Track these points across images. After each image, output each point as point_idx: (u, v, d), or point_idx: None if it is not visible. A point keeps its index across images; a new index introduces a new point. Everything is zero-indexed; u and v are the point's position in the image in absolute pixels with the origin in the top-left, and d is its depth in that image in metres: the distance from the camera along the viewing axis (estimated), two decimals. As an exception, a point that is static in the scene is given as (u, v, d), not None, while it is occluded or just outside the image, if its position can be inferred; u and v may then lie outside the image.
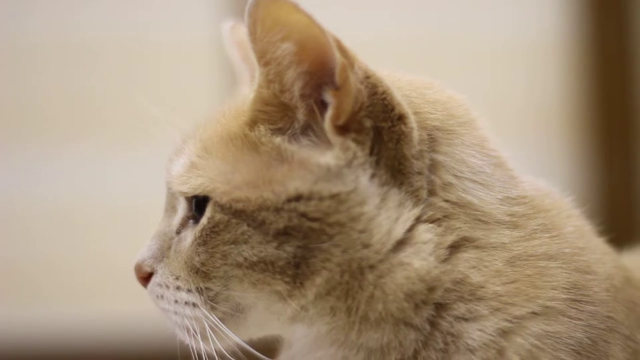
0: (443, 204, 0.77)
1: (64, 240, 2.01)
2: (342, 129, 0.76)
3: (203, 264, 0.78)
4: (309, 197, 0.75)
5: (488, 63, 2.06)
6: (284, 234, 0.75)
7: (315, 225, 0.75)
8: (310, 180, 0.75)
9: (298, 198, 0.75)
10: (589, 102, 2.10)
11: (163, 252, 0.81)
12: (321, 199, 0.75)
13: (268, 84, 0.77)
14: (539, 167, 2.07)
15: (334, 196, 0.75)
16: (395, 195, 0.76)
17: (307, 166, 0.76)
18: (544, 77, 2.09)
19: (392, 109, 0.76)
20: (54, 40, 2.02)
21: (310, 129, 0.77)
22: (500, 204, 0.79)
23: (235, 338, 0.79)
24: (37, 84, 2.02)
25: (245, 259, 0.76)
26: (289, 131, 0.78)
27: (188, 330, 0.79)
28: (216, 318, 0.78)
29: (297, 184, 0.75)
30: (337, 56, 0.74)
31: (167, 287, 0.80)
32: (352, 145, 0.76)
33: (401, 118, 0.77)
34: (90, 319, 1.98)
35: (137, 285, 0.82)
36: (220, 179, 0.77)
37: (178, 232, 0.81)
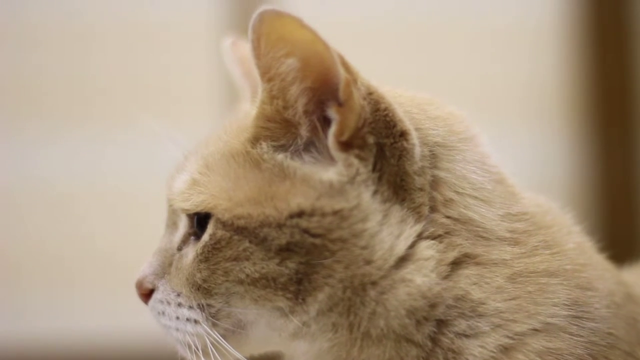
0: (444, 220, 0.78)
1: (61, 225, 2.00)
2: (345, 145, 0.76)
3: (205, 281, 0.78)
4: (312, 213, 0.75)
5: (489, 48, 2.06)
6: (286, 250, 0.75)
7: (317, 241, 0.75)
8: (313, 197, 0.75)
9: (300, 214, 0.75)
10: (590, 87, 2.11)
11: (164, 268, 0.81)
12: (323, 215, 0.75)
13: (271, 100, 0.77)
14: (539, 150, 2.07)
15: (336, 212, 0.75)
16: (397, 212, 0.77)
17: (309, 182, 0.76)
18: (545, 62, 2.10)
19: (395, 126, 0.76)
20: (53, 24, 2.01)
21: (312, 146, 0.77)
22: (501, 221, 0.79)
23: (236, 354, 0.79)
24: (36, 67, 2.01)
25: (247, 275, 0.76)
26: (292, 148, 0.78)
27: (189, 347, 0.79)
28: (218, 334, 0.78)
29: (299, 200, 0.75)
30: (341, 72, 0.74)
31: (169, 303, 0.80)
32: (355, 161, 0.76)
33: (403, 134, 0.77)
34: (87, 306, 1.99)
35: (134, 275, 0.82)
36: (222, 196, 0.77)
37: (179, 249, 0.81)
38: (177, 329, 0.80)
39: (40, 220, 2.01)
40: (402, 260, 0.76)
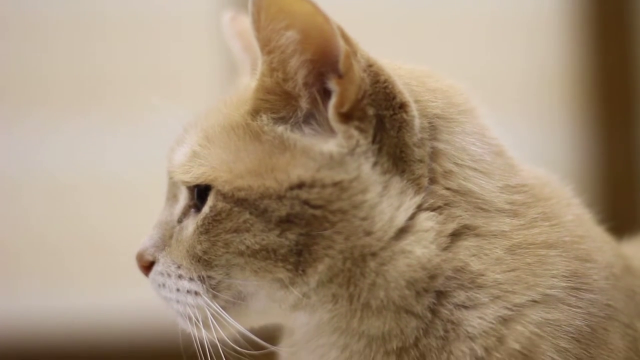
0: (444, 191, 0.78)
1: (62, 214, 2.00)
2: (345, 117, 0.76)
3: (205, 252, 0.78)
4: (312, 185, 0.75)
5: (488, 36, 2.06)
6: (286, 222, 0.75)
7: (317, 212, 0.75)
8: (313, 168, 0.76)
9: (300, 186, 0.75)
10: (590, 74, 2.10)
11: (165, 241, 0.82)
12: (324, 186, 0.75)
13: (271, 72, 0.77)
14: (539, 139, 2.07)
15: (336, 184, 0.75)
16: (397, 183, 0.77)
17: (309, 154, 0.76)
18: (545, 50, 2.09)
19: (394, 97, 0.77)
20: (54, 13, 2.00)
21: (312, 118, 0.78)
22: (500, 192, 0.79)
23: (237, 326, 0.79)
24: (36, 57, 2.01)
25: (248, 247, 0.76)
26: (292, 120, 0.78)
27: (190, 319, 0.79)
28: (218, 306, 0.79)
29: (299, 171, 0.76)
30: (341, 44, 0.74)
31: (169, 275, 0.80)
32: (355, 133, 0.76)
33: (402, 106, 0.77)
34: (87, 294, 1.98)
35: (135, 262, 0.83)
36: (223, 168, 0.77)
37: (180, 221, 0.81)
38: (178, 301, 0.80)
39: (41, 209, 2.01)
40: (402, 231, 0.76)
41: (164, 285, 0.81)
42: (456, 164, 0.79)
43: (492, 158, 0.81)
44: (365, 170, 0.76)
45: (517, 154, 0.84)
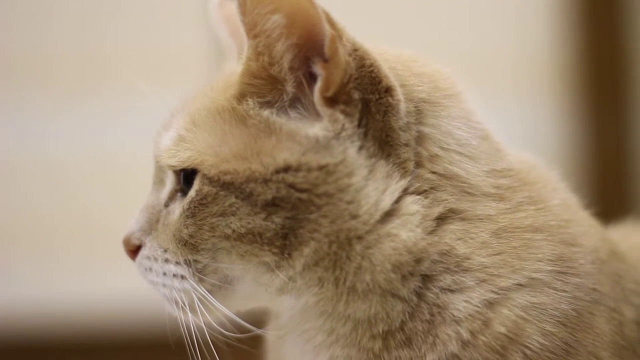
0: (430, 175, 0.78)
1: (60, 197, 2.00)
2: (331, 101, 0.76)
3: (191, 236, 0.78)
4: (297, 169, 0.75)
5: (479, 17, 2.05)
6: (272, 205, 0.75)
7: (303, 196, 0.75)
8: (299, 152, 0.76)
9: (286, 169, 0.75)
10: (580, 57, 2.10)
11: (151, 225, 0.82)
12: (309, 170, 0.75)
13: (257, 56, 0.77)
14: (529, 122, 2.07)
15: (322, 167, 0.76)
16: (382, 167, 0.77)
17: (295, 138, 0.76)
18: (535, 32, 2.09)
19: (380, 82, 0.77)
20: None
21: (298, 102, 0.78)
22: (486, 177, 0.80)
23: (223, 309, 0.79)
24: (36, 40, 2.00)
25: (234, 230, 0.76)
26: (277, 104, 0.78)
27: (176, 303, 0.80)
28: (204, 290, 0.79)
29: (285, 155, 0.76)
30: (327, 28, 0.74)
31: (156, 259, 0.81)
32: (341, 117, 0.76)
33: (388, 90, 0.77)
34: (86, 277, 1.98)
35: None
36: (209, 152, 0.78)
37: (166, 205, 0.82)
38: (164, 285, 0.80)
39: (40, 192, 2.00)
40: (388, 215, 0.77)
41: (150, 269, 0.81)
42: (442, 147, 0.79)
43: (478, 142, 0.81)
44: (351, 154, 0.76)
45: (503, 138, 0.84)
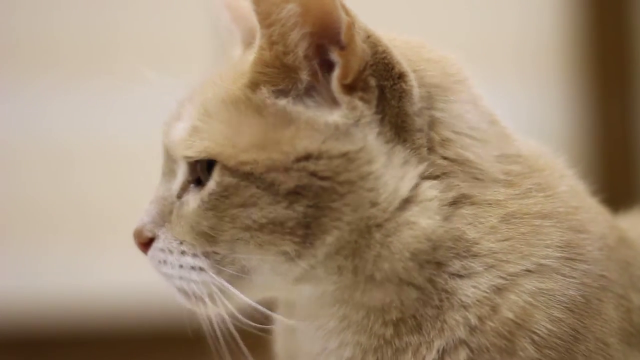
0: (442, 161, 0.78)
1: (61, 180, 2.00)
2: (349, 88, 0.76)
3: (211, 228, 0.77)
4: (319, 156, 0.75)
5: (482, 0, 2.06)
6: (294, 194, 0.75)
7: (325, 184, 0.75)
8: (319, 140, 0.76)
9: (307, 157, 0.75)
10: (586, 39, 2.10)
11: (164, 216, 0.81)
12: (331, 157, 0.75)
13: (271, 45, 0.77)
14: (535, 105, 2.08)
15: (343, 155, 0.76)
16: (400, 153, 0.77)
17: (314, 126, 0.76)
18: (539, 12, 2.09)
19: (393, 68, 0.77)
20: None
21: (313, 90, 0.78)
22: (496, 162, 0.80)
23: (245, 299, 0.78)
24: (38, 22, 2.00)
25: (254, 221, 0.76)
26: (293, 92, 0.78)
27: (193, 295, 0.79)
28: (223, 281, 0.78)
29: (305, 143, 0.75)
30: (343, 15, 0.74)
31: (171, 252, 0.79)
32: (359, 103, 0.76)
33: (401, 76, 0.77)
34: (85, 261, 1.99)
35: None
36: (226, 143, 0.77)
37: (179, 197, 0.80)
38: (181, 277, 0.79)
39: (41, 174, 2.01)
40: (406, 202, 0.77)
41: (164, 261, 0.80)
42: (454, 132, 0.79)
43: (488, 126, 0.81)
44: (371, 140, 0.76)
45: (510, 125, 0.84)
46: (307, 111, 0.77)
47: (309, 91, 0.78)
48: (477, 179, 0.79)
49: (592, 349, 0.76)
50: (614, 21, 2.12)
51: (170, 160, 0.82)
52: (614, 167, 2.06)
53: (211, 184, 0.77)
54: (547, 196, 0.79)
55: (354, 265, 0.77)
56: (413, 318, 0.77)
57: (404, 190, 0.76)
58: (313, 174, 0.75)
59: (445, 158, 0.78)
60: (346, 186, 0.75)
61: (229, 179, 0.76)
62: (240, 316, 0.79)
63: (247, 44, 0.86)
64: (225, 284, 0.78)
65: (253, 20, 0.78)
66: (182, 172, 0.80)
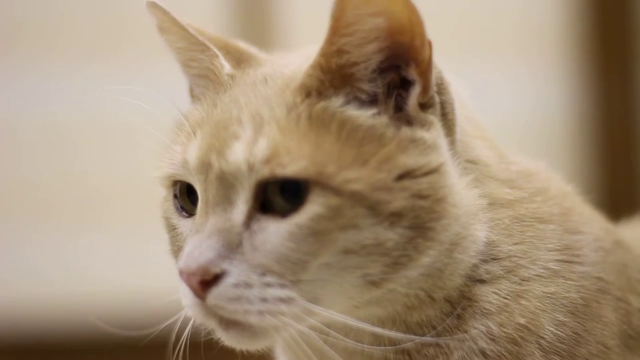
0: (466, 164, 0.79)
1: (63, 161, 2.01)
2: (423, 105, 0.76)
3: (309, 254, 0.71)
4: (417, 172, 0.73)
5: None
6: (396, 215, 0.72)
7: (425, 203, 0.73)
8: (415, 154, 0.74)
9: (408, 174, 0.73)
10: (587, 17, 2.11)
11: (232, 249, 0.72)
12: (427, 173, 0.73)
13: (340, 54, 0.74)
14: (538, 88, 2.08)
15: (437, 169, 0.74)
16: (457, 165, 0.77)
17: (407, 141, 0.74)
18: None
19: (442, 83, 0.77)
20: None
21: (376, 103, 0.76)
22: (502, 163, 0.82)
23: (329, 314, 0.73)
24: (42, 5, 2.01)
25: (355, 243, 0.71)
26: (378, 107, 0.75)
27: (273, 329, 0.73)
28: (313, 305, 0.72)
29: (403, 159, 0.73)
30: (426, 35, 0.73)
31: (250, 285, 0.71)
32: (435, 119, 0.76)
33: (448, 89, 0.78)
34: (84, 243, 2.00)
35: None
36: (322, 160, 0.72)
37: (247, 226, 0.73)
38: (262, 312, 0.72)
39: (42, 155, 2.01)
40: (472, 214, 0.76)
41: (239, 298, 0.72)
42: (468, 134, 0.80)
43: (484, 128, 0.84)
44: (447, 153, 0.76)
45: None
46: (396, 125, 0.75)
47: (372, 104, 0.75)
48: (490, 177, 0.80)
49: (594, 352, 0.77)
50: (617, 5, 2.14)
51: (224, 187, 0.74)
52: (615, 146, 2.07)
53: (313, 208, 0.71)
54: (545, 200, 0.81)
55: (428, 285, 0.75)
56: (432, 328, 0.76)
57: (470, 201, 0.76)
58: (415, 193, 0.72)
59: (467, 161, 0.79)
60: (441, 204, 0.73)
61: (334, 200, 0.71)
62: (325, 328, 0.74)
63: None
64: (314, 306, 0.72)
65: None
66: (243, 200, 0.73)
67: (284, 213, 0.72)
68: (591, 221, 0.84)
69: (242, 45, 0.87)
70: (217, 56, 0.82)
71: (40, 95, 1.99)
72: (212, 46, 0.82)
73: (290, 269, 0.71)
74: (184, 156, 0.77)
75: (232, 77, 0.81)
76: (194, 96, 0.85)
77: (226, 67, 0.82)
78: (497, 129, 0.88)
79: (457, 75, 0.83)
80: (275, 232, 0.72)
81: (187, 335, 0.78)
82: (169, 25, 0.83)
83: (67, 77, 1.99)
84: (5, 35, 2.02)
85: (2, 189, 2.01)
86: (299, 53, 0.83)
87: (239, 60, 0.83)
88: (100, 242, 1.97)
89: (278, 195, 0.72)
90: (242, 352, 0.76)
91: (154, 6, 0.83)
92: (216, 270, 0.72)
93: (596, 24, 2.13)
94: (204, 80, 0.83)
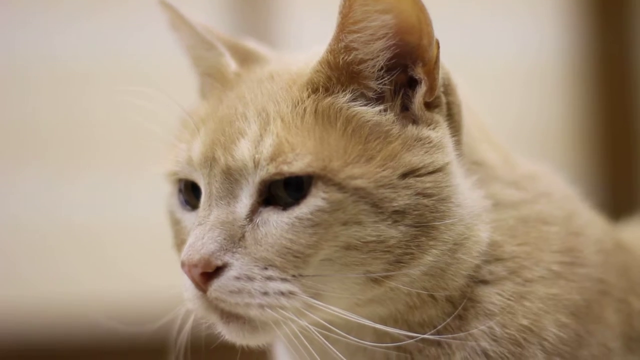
0: (471, 166, 0.79)
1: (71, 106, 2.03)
2: (429, 104, 0.76)
3: (309, 247, 0.71)
4: (422, 171, 0.73)
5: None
6: (399, 213, 0.72)
7: (429, 202, 0.73)
8: (421, 153, 0.74)
9: (413, 172, 0.73)
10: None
11: (234, 242, 0.73)
12: (433, 171, 0.74)
13: (348, 51, 0.74)
14: (540, 31, 2.03)
15: (442, 168, 0.74)
16: (462, 165, 0.77)
17: (412, 140, 0.74)
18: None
19: (449, 84, 0.77)
20: None
21: (382, 101, 0.76)
22: (506, 165, 0.82)
23: (331, 310, 0.73)
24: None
25: (357, 239, 0.72)
26: (384, 104, 0.75)
27: (272, 322, 0.72)
28: (318, 302, 0.72)
29: (409, 157, 0.73)
30: (433, 34, 0.73)
31: (251, 279, 0.72)
32: (441, 119, 0.76)
33: (455, 90, 0.78)
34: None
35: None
36: (326, 156, 0.72)
37: (249, 219, 0.73)
38: (263, 306, 0.72)
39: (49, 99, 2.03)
40: (476, 215, 0.76)
41: (240, 291, 0.72)
42: (472, 137, 0.80)
43: (488, 130, 0.83)
44: (452, 153, 0.76)
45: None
46: (402, 123, 0.75)
47: (379, 101, 0.75)
48: (494, 178, 0.80)
49: (596, 354, 0.77)
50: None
51: (228, 182, 0.74)
52: (613, 87, 2.06)
53: (314, 201, 0.71)
54: (548, 202, 0.81)
55: (431, 285, 0.74)
56: (434, 328, 0.76)
57: (475, 202, 0.76)
58: (419, 191, 0.72)
59: (472, 162, 0.78)
60: (445, 203, 0.73)
61: (337, 195, 0.71)
62: (326, 324, 0.73)
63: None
64: (315, 301, 0.72)
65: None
66: (247, 194, 0.74)
67: (286, 206, 0.73)
68: (593, 223, 0.84)
69: (252, 44, 0.87)
70: (223, 55, 0.83)
71: (50, 39, 2.01)
72: (218, 44, 0.83)
73: (292, 263, 0.72)
74: (189, 154, 0.77)
75: (238, 75, 0.82)
76: (203, 95, 0.86)
77: (232, 65, 0.82)
78: (501, 74, 0.87)
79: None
80: (276, 224, 0.72)
81: (188, 333, 0.79)
82: (179, 23, 0.84)
83: (72, 23, 2.00)
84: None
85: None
86: (308, 53, 0.83)
87: (246, 59, 0.84)
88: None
89: (282, 189, 0.73)
90: (242, 348, 0.76)
91: (165, 5, 0.84)
92: (218, 262, 0.72)
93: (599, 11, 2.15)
94: (210, 78, 0.84)
